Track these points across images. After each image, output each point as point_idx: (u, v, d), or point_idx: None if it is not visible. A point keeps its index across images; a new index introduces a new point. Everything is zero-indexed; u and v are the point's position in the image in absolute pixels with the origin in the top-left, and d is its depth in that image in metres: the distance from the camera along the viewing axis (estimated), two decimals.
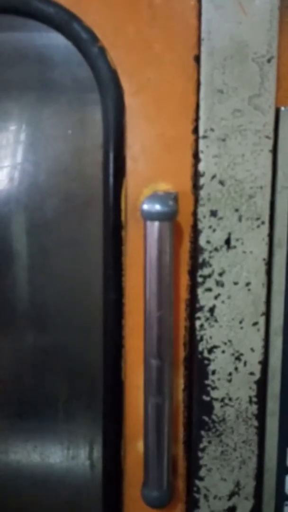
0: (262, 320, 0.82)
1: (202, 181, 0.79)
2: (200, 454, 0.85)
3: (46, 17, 0.81)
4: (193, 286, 0.83)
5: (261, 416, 0.84)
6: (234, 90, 0.77)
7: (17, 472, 1.04)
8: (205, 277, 0.81)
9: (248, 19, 0.75)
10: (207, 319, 0.82)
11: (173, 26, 0.78)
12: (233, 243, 0.80)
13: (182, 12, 0.78)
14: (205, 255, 0.81)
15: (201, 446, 0.85)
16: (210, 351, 0.82)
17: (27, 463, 1.04)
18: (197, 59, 0.78)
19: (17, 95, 0.97)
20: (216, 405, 0.84)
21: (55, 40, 0.85)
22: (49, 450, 1.03)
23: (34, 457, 1.04)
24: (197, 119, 0.79)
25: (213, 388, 0.83)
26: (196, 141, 0.79)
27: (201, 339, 0.82)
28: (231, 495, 0.86)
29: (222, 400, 0.83)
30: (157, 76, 0.80)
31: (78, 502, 1.02)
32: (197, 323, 0.82)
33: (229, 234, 0.80)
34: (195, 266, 0.82)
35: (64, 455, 1.03)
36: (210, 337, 0.82)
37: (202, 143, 0.79)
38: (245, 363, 0.83)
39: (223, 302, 0.82)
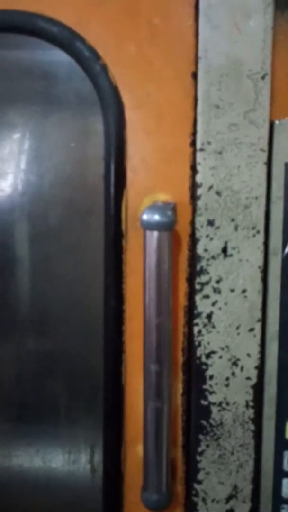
0: (258, 326, 0.84)
1: (199, 191, 0.82)
2: (198, 457, 0.86)
3: (51, 35, 0.84)
4: (191, 293, 0.85)
5: (258, 420, 0.85)
6: (230, 105, 0.80)
7: (19, 475, 1.06)
8: (202, 284, 0.84)
9: (243, 38, 0.79)
10: (204, 325, 0.84)
11: (172, 45, 0.82)
12: (229, 251, 0.83)
13: (180, 31, 0.81)
14: (203, 263, 0.83)
15: (199, 449, 0.86)
16: (208, 356, 0.85)
17: (29, 466, 1.05)
18: (195, 76, 0.81)
19: (22, 109, 1.01)
20: (214, 409, 0.85)
21: (58, 57, 0.89)
22: (51, 454, 1.05)
23: (36, 461, 1.05)
24: (194, 132, 0.82)
25: (211, 393, 0.85)
26: (194, 153, 0.82)
27: (199, 344, 0.85)
28: (229, 498, 0.87)
29: (220, 404, 0.85)
30: (156, 91, 0.83)
31: (79, 505, 1.03)
32: (195, 329, 0.84)
33: (226, 242, 0.83)
34: (193, 273, 0.84)
35: (65, 459, 1.05)
36: (208, 343, 0.84)
37: (199, 156, 0.82)
38: (241, 368, 0.84)
39: (220, 308, 0.84)
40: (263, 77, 0.80)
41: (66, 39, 0.83)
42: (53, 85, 0.98)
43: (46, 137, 1.02)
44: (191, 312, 0.85)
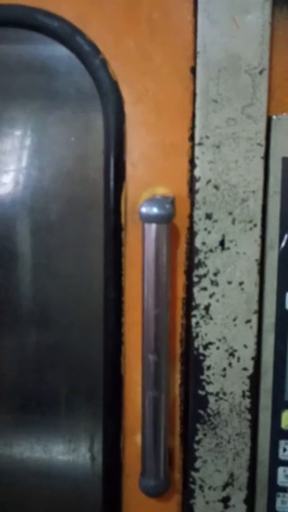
0: (254, 318, 0.85)
1: (197, 185, 0.83)
2: (195, 446, 0.88)
3: (51, 30, 0.85)
4: (189, 286, 0.86)
5: (254, 410, 0.87)
6: (228, 100, 0.81)
7: (20, 463, 1.08)
8: (200, 277, 0.85)
9: (241, 33, 0.80)
10: (202, 316, 0.86)
11: (171, 40, 0.83)
12: (227, 244, 0.84)
13: (179, 27, 0.82)
14: (201, 256, 0.85)
15: (197, 438, 0.88)
16: (205, 347, 0.86)
17: (30, 455, 1.07)
18: (193, 70, 0.82)
19: (23, 103, 1.02)
20: (211, 399, 0.87)
21: (58, 52, 0.89)
22: (52, 443, 1.07)
23: (37, 449, 1.07)
24: (193, 127, 0.83)
25: (208, 383, 0.87)
26: (192, 148, 0.83)
27: (197, 336, 0.86)
28: (225, 485, 0.89)
29: (217, 394, 0.87)
30: (155, 86, 0.84)
31: (79, 492, 1.06)
32: (193, 321, 0.86)
33: (223, 236, 0.84)
34: (191, 266, 0.86)
35: (65, 447, 1.07)
36: (205, 334, 0.86)
37: (197, 150, 0.83)
38: (238, 359, 0.86)
39: (217, 300, 0.85)
40: (261, 72, 0.80)
41: (66, 34, 0.84)
42: (53, 79, 0.99)
43: (46, 131, 1.03)
44: (189, 304, 0.87)
